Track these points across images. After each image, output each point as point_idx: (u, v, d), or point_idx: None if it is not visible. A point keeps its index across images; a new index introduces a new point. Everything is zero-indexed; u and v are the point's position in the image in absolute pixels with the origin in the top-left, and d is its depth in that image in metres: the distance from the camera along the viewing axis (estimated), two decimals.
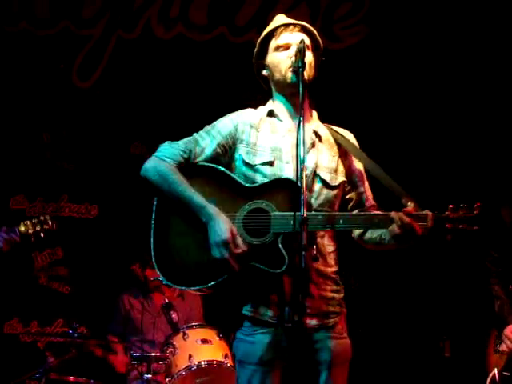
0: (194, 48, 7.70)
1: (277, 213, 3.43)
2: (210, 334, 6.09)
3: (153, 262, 3.59)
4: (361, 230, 3.75)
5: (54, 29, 7.60)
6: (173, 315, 6.40)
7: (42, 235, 5.34)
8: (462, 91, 7.31)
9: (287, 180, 3.45)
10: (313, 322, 3.51)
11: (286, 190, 3.42)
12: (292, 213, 3.27)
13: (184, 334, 6.02)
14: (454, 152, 7.25)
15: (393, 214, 3.41)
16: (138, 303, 6.94)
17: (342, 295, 3.68)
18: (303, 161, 3.25)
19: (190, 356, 5.87)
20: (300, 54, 3.45)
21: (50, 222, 5.32)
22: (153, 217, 3.65)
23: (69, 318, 7.12)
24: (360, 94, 7.39)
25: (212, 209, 3.47)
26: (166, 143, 3.71)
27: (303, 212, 3.15)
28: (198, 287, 3.51)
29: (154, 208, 3.66)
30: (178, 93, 7.59)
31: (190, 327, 6.14)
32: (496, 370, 5.37)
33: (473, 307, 6.80)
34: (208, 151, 3.65)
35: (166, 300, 6.48)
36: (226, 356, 5.92)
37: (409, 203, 3.43)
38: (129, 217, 7.49)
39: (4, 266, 7.06)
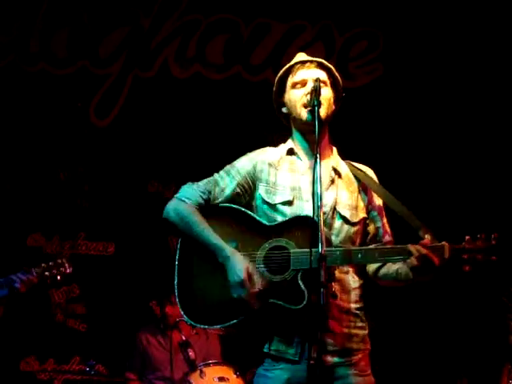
0: (210, 87, 7.75)
1: (296, 250, 3.43)
2: (226, 371, 6.08)
3: (176, 301, 3.60)
4: (376, 267, 3.73)
5: (71, 68, 7.68)
6: (190, 353, 6.40)
7: (58, 278, 5.33)
8: (477, 128, 7.33)
9: (306, 217, 3.43)
10: (335, 359, 3.48)
11: (306, 227, 3.40)
12: (311, 249, 3.27)
13: (201, 371, 6.01)
14: (470, 184, 7.26)
15: (409, 246, 3.40)
16: (155, 340, 6.93)
17: (366, 331, 3.64)
18: (321, 198, 3.25)
19: None
20: (315, 92, 3.46)
21: (66, 266, 5.30)
22: (177, 257, 3.68)
23: (85, 355, 7.11)
24: (375, 132, 7.41)
25: (227, 249, 3.50)
26: (187, 184, 3.75)
27: (321, 249, 3.14)
28: (219, 326, 3.52)
29: (178, 248, 3.69)
30: (195, 131, 7.62)
31: (207, 365, 6.13)
32: None
33: (489, 344, 6.77)
34: (227, 191, 3.68)
35: (184, 338, 6.48)
36: None
37: (426, 235, 3.43)
38: (145, 255, 7.51)
39: (21, 303, 7.09)
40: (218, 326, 3.53)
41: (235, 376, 6.04)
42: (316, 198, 3.26)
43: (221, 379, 6.00)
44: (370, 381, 3.61)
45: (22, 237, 7.59)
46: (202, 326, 3.63)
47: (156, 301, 7.05)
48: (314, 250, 3.21)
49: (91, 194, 7.73)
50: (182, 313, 3.57)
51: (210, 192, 3.69)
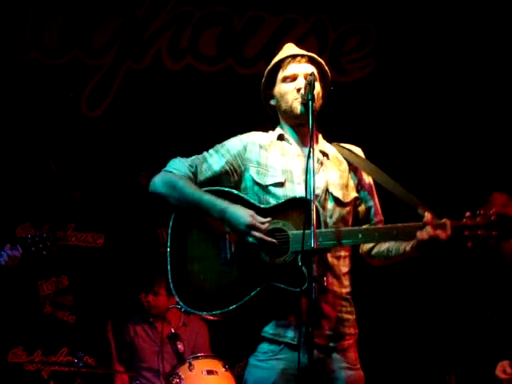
0: (202, 79, 7.74)
1: (294, 232, 3.40)
2: (215, 364, 6.06)
3: (171, 287, 3.55)
4: (369, 246, 3.76)
5: (64, 58, 7.64)
6: (179, 345, 6.39)
7: (44, 253, 5.31)
8: (468, 124, 7.36)
9: (301, 199, 3.42)
10: (330, 344, 3.50)
11: (301, 209, 3.39)
12: (309, 231, 3.24)
13: (190, 364, 5.99)
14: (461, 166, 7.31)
15: (416, 224, 3.42)
16: (142, 332, 6.92)
17: (355, 316, 3.67)
18: (314, 190, 3.26)
19: None
20: (310, 86, 3.47)
21: (52, 239, 5.27)
22: (168, 242, 3.64)
23: (73, 347, 7.09)
24: (368, 127, 7.41)
25: (221, 202, 3.50)
26: (174, 159, 3.77)
27: (313, 243, 3.14)
28: (219, 311, 3.48)
29: (169, 233, 3.66)
30: (186, 123, 7.61)
31: (196, 358, 6.12)
32: None
33: (479, 341, 6.78)
34: (216, 167, 3.67)
35: (173, 330, 6.47)
36: None
37: (426, 213, 3.43)
38: (135, 247, 7.50)
39: (10, 294, 7.08)
40: (218, 312, 3.48)
41: (224, 369, 6.02)
42: (309, 190, 3.26)
43: (209, 372, 5.98)
44: (360, 375, 3.63)
45: (11, 227, 7.56)
46: (199, 313, 3.57)
47: (144, 293, 7.05)
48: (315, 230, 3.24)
49: (81, 185, 7.70)
50: (177, 298, 3.52)
51: (196, 166, 3.68)
